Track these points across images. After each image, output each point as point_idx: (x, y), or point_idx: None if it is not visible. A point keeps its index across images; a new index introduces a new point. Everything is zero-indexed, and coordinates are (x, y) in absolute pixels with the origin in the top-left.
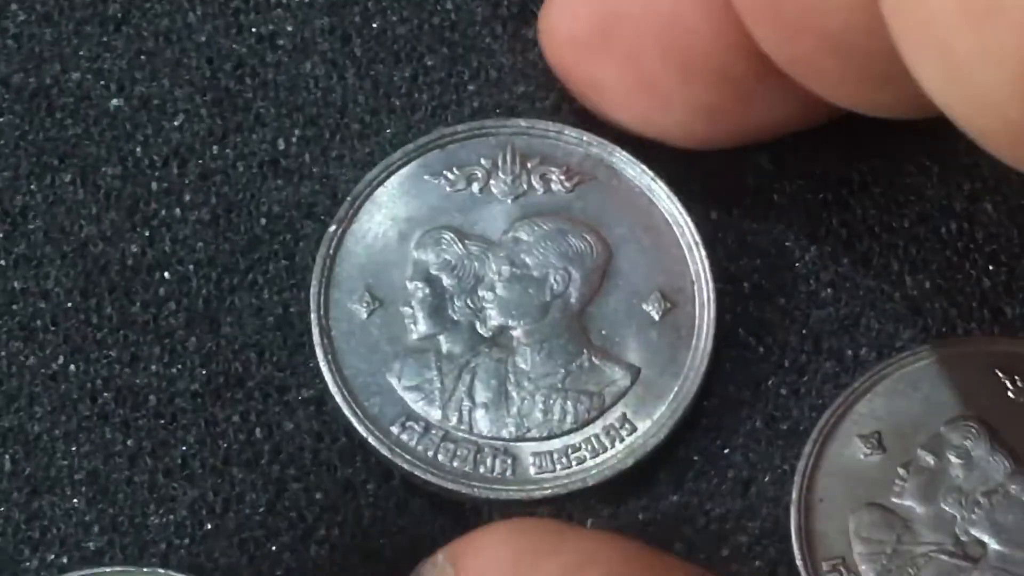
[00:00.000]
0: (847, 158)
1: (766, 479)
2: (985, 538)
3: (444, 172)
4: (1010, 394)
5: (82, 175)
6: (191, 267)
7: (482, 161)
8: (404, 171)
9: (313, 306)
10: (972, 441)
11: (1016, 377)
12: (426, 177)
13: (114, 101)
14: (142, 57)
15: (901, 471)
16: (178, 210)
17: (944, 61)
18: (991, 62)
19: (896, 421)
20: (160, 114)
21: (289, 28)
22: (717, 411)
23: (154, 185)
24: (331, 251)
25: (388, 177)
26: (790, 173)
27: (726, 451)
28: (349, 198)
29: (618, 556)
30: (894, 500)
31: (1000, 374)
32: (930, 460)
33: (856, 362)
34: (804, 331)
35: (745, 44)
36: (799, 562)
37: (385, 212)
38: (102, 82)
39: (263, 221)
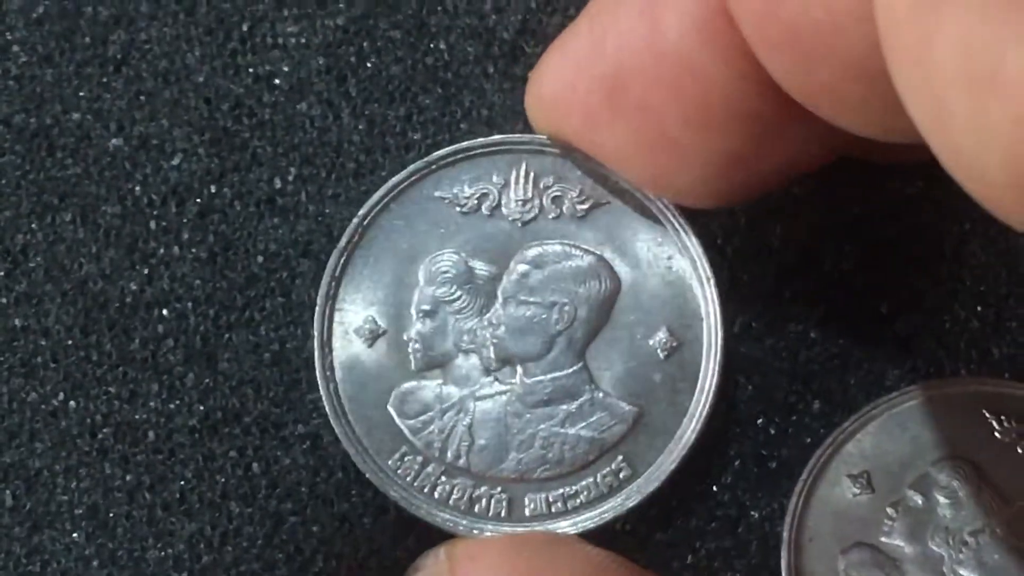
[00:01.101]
0: (837, 202)
1: (755, 517)
2: None
3: (455, 190)
4: (997, 434)
5: (82, 214)
6: (189, 304)
7: (495, 179)
8: (413, 191)
9: (316, 333)
10: (960, 481)
11: (1003, 417)
12: (436, 194)
13: (114, 141)
14: (141, 98)
15: (890, 511)
16: (176, 248)
17: (938, 118)
18: (983, 129)
19: (885, 461)
20: (159, 154)
21: (286, 69)
22: (707, 450)
23: (153, 224)
24: (335, 278)
25: (397, 196)
26: (781, 216)
27: (715, 489)
28: (355, 220)
29: None
30: (883, 539)
31: (987, 414)
32: (918, 500)
33: (845, 402)
34: (793, 371)
35: (760, 81)
36: None
37: (392, 236)
38: (102, 122)
39: (260, 259)
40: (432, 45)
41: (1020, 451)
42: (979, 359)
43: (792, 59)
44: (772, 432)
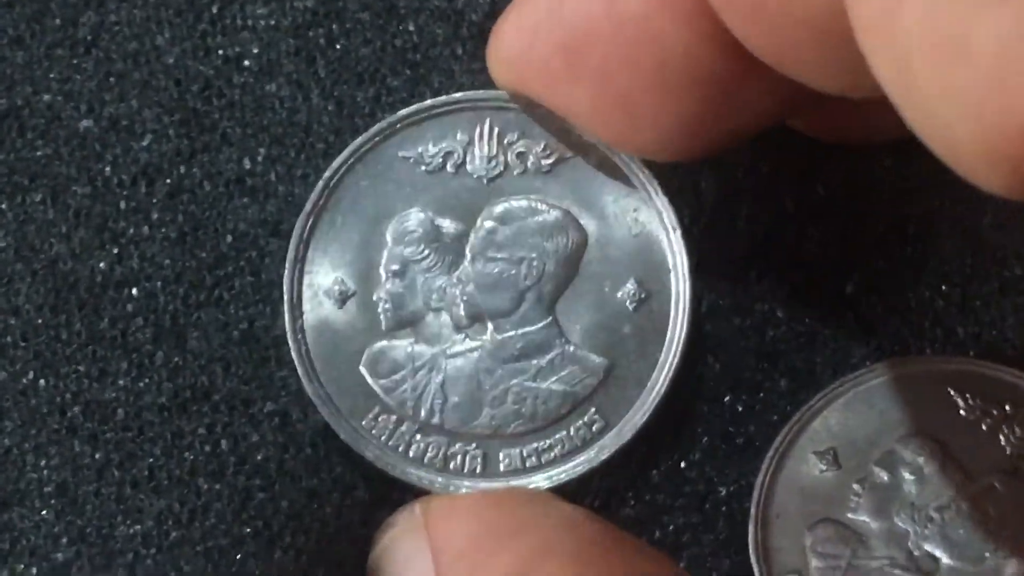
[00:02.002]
0: (803, 183)
1: (722, 493)
2: (938, 552)
3: (419, 149)
4: (962, 411)
5: (52, 194)
6: (159, 284)
7: (459, 135)
8: (377, 152)
9: (286, 296)
10: (925, 458)
11: (968, 395)
12: (401, 154)
13: (84, 122)
14: (111, 79)
15: (856, 487)
16: (146, 228)
17: (907, 86)
18: (951, 98)
19: (851, 438)
20: (129, 135)
21: (255, 50)
22: (674, 427)
23: (123, 204)
24: (303, 241)
25: (362, 158)
26: (746, 197)
27: (683, 466)
28: (320, 184)
29: (577, 546)
30: (849, 516)
31: (952, 392)
32: (884, 476)
33: (811, 380)
34: (760, 349)
35: (722, 42)
36: (757, 575)
37: (358, 197)
38: (72, 103)
39: (229, 238)
40: (401, 27)
41: (984, 428)
42: (944, 338)
43: (757, 21)
44: (739, 409)
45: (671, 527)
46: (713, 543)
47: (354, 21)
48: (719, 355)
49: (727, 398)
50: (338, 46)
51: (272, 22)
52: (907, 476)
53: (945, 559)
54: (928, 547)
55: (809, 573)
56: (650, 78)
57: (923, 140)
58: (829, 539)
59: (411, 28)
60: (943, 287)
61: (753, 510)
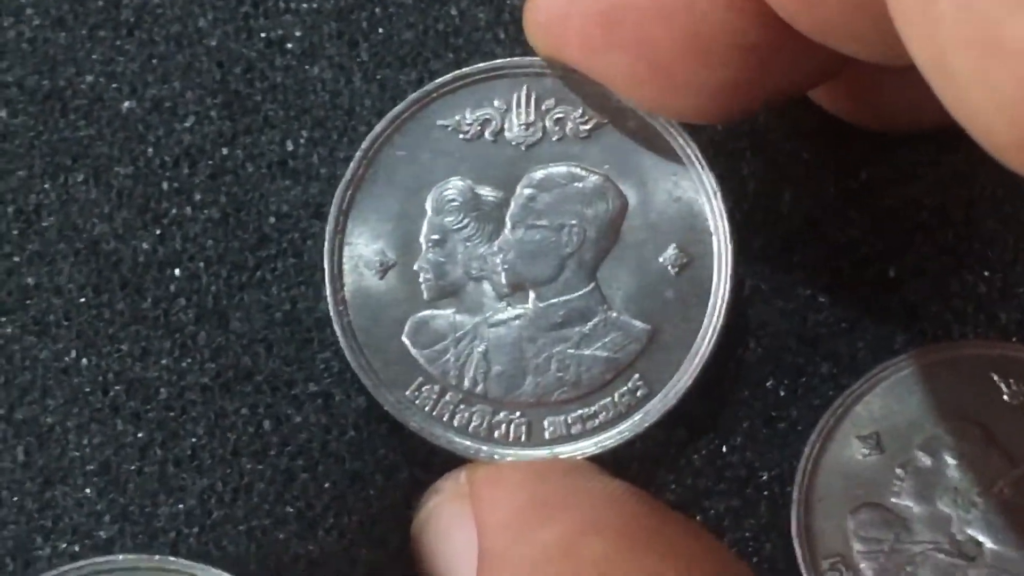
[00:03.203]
0: (846, 168)
1: (764, 478)
2: (981, 537)
3: (457, 117)
4: (1005, 397)
5: (95, 175)
6: (201, 264)
7: (496, 103)
8: (415, 121)
9: (327, 268)
10: (968, 443)
11: (1011, 380)
12: (439, 122)
13: (126, 103)
14: (154, 61)
15: (899, 471)
16: (189, 209)
17: (943, 73)
18: (986, 90)
19: (894, 422)
20: (171, 116)
21: (298, 33)
22: (716, 411)
23: (165, 185)
24: (342, 212)
25: (400, 127)
26: (789, 182)
27: (724, 450)
28: (358, 154)
29: (622, 522)
30: (892, 500)
31: (996, 377)
32: (927, 461)
33: (853, 365)
34: (802, 334)
35: (759, 12)
36: (799, 559)
37: (396, 167)
38: (115, 85)
39: (272, 220)
40: (443, 10)
41: None
42: (987, 323)
43: None
44: (781, 394)
45: (712, 511)
46: (755, 527)
47: (397, 4)
48: (761, 339)
49: (769, 382)
50: (381, 29)
51: (315, 5)
52: (950, 461)
53: (988, 544)
54: (971, 532)
55: (852, 557)
56: (686, 46)
57: (958, 120)
58: (872, 523)
59: (453, 12)
60: (986, 272)
61: (795, 494)
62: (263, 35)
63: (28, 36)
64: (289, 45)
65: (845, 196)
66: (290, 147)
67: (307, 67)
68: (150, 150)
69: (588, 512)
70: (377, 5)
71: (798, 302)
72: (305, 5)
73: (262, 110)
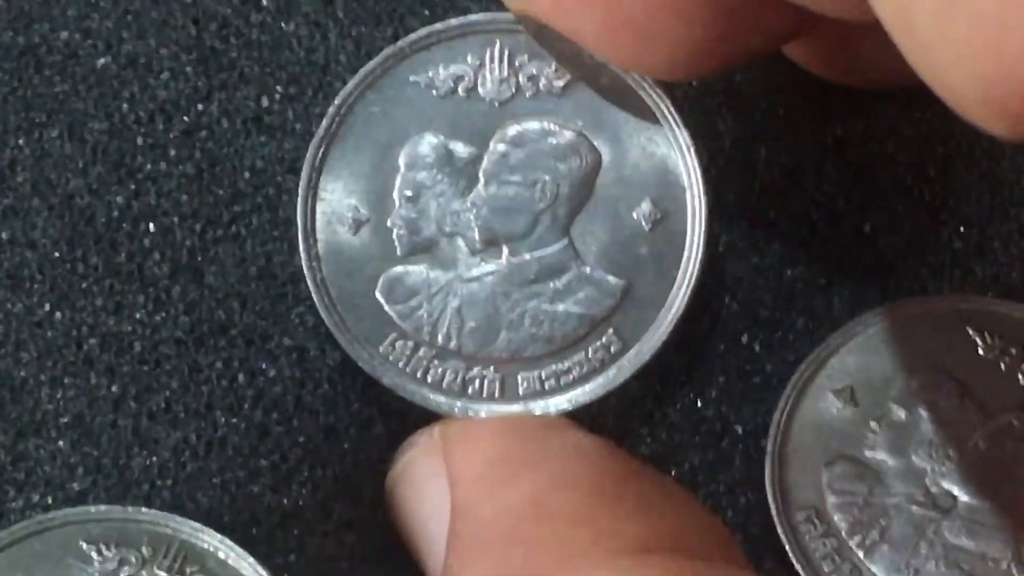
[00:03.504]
0: (821, 124)
1: (739, 432)
2: (955, 490)
3: (430, 74)
4: (980, 351)
5: (69, 130)
6: (175, 219)
7: (469, 59)
8: (388, 77)
9: (299, 223)
10: (943, 396)
11: (986, 334)
12: (412, 79)
13: (101, 59)
14: (129, 17)
15: (873, 425)
16: (163, 164)
17: (906, 28)
18: (948, 44)
19: (868, 376)
20: (146, 72)
21: None
22: (691, 365)
23: (140, 140)
24: (315, 169)
25: (372, 84)
26: (764, 138)
27: (699, 404)
28: (331, 110)
29: (593, 477)
30: (866, 453)
31: (971, 331)
32: (901, 414)
33: (829, 319)
34: (778, 289)
35: None
36: (773, 512)
37: (369, 123)
38: (89, 41)
39: (246, 175)
40: None
41: (1003, 368)
42: (962, 278)
43: None
44: (756, 349)
45: (687, 465)
46: (729, 480)
47: None
48: (736, 294)
49: (744, 337)
50: None
51: None
52: (924, 414)
53: (963, 497)
54: (945, 484)
55: (826, 510)
56: (658, 2)
57: (922, 78)
58: (846, 476)
59: None
60: (961, 228)
61: (770, 447)
62: None
63: None
64: (264, 2)
65: (821, 151)
66: (265, 103)
67: (282, 23)
68: (125, 106)
69: (559, 467)
70: None
71: (773, 257)
72: None
73: (237, 66)
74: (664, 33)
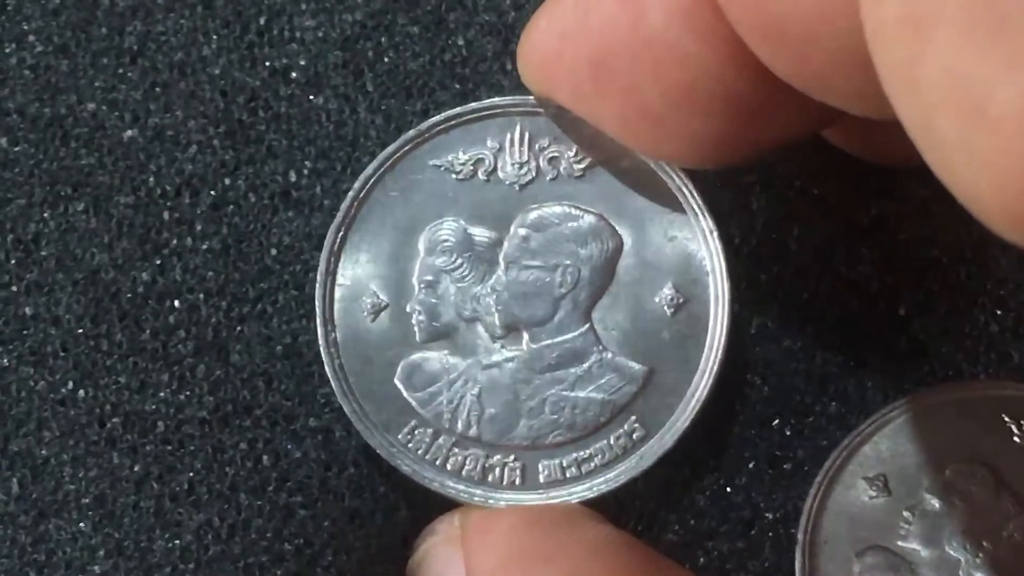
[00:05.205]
0: (854, 204)
1: (769, 519)
2: None
3: (450, 157)
4: (1016, 439)
5: (95, 204)
6: (201, 296)
7: (489, 142)
8: (407, 161)
9: (318, 310)
10: (977, 485)
11: (1022, 421)
12: (432, 162)
13: (128, 132)
14: (156, 89)
15: (906, 514)
16: (189, 239)
17: (928, 136)
18: (970, 156)
19: (901, 464)
20: (173, 145)
21: (302, 62)
22: (720, 450)
23: (166, 215)
24: (333, 253)
25: (392, 167)
26: (797, 218)
27: (729, 490)
28: (350, 194)
29: (607, 574)
30: (899, 543)
31: (1007, 418)
32: (935, 504)
33: (862, 404)
34: (810, 372)
35: (748, 65)
36: None
37: (389, 208)
38: (116, 113)
39: (273, 252)
40: (450, 41)
41: None
42: (998, 363)
43: (783, 49)
44: (787, 433)
45: (716, 552)
46: (758, 569)
47: (403, 34)
48: (768, 378)
49: (775, 422)
50: (386, 59)
51: (320, 34)
52: (959, 504)
53: None
54: None
55: None
56: (676, 96)
57: (943, 182)
58: (878, 566)
59: (460, 42)
60: (998, 311)
61: (800, 536)
62: (267, 64)
63: (30, 63)
64: (293, 74)
65: (855, 232)
66: (293, 178)
67: (311, 96)
68: (151, 179)
69: (576, 563)
70: (383, 34)
71: (806, 340)
72: (310, 34)
73: (265, 140)
74: (682, 124)
